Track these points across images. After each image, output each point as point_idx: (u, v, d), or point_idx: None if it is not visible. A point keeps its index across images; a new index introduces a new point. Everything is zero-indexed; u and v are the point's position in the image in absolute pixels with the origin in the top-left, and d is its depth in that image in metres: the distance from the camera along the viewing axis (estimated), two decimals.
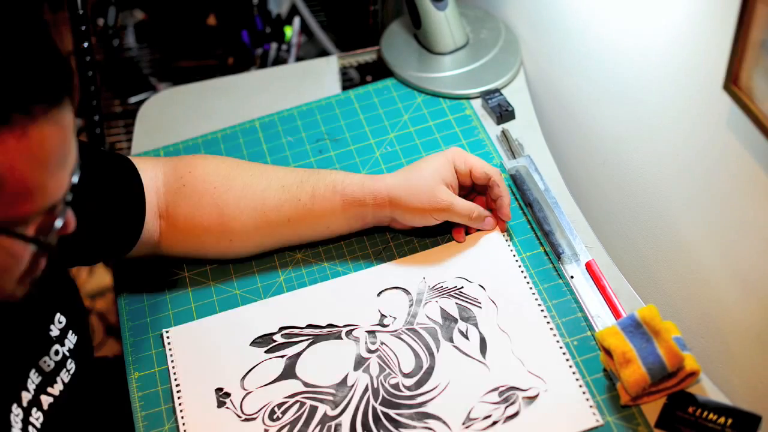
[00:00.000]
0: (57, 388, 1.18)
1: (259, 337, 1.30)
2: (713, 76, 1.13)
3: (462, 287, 1.32)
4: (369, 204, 1.33)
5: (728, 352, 1.25)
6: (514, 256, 1.34)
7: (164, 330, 1.33)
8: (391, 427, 1.19)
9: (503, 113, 1.54)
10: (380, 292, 1.33)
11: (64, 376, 1.19)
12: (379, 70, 1.73)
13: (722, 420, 1.14)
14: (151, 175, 1.33)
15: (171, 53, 2.22)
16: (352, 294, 1.34)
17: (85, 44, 1.83)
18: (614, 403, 1.19)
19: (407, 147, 1.54)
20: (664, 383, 1.16)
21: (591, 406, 1.17)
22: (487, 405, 1.19)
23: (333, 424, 1.20)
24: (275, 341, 1.29)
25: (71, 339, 1.21)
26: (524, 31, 1.66)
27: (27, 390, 1.13)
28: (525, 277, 1.32)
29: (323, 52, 2.10)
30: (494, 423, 1.17)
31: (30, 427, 1.12)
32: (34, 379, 1.14)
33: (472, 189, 1.39)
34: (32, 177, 0.87)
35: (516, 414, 1.17)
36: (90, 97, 1.91)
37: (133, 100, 2.13)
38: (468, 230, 1.38)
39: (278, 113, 1.63)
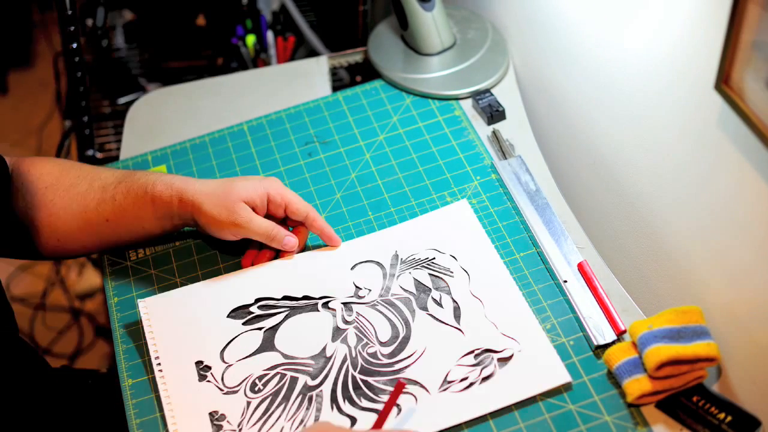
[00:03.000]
0: None
1: (236, 309, 1.32)
2: (704, 76, 1.13)
3: (434, 258, 1.36)
4: (175, 204, 1.33)
5: (721, 352, 1.25)
6: (480, 226, 1.39)
7: (139, 300, 1.34)
8: (370, 394, 1.22)
9: (494, 113, 1.54)
10: (354, 266, 1.36)
11: None
12: (368, 71, 1.72)
13: (722, 416, 1.15)
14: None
15: (160, 54, 2.21)
16: (327, 267, 1.36)
17: (74, 45, 1.82)
18: (613, 402, 1.20)
19: (397, 149, 1.54)
20: (670, 382, 1.17)
21: (561, 363, 1.22)
22: (464, 368, 1.23)
23: (314, 393, 1.23)
24: (252, 313, 1.32)
25: None
26: (513, 31, 1.65)
27: None
28: (493, 245, 1.36)
29: (313, 53, 2.09)
30: (471, 384, 1.21)
31: None
32: None
33: (284, 222, 1.38)
34: None
35: (491, 375, 1.22)
36: (79, 98, 1.90)
37: (122, 100, 2.12)
38: (273, 255, 1.38)
39: (266, 116, 1.62)
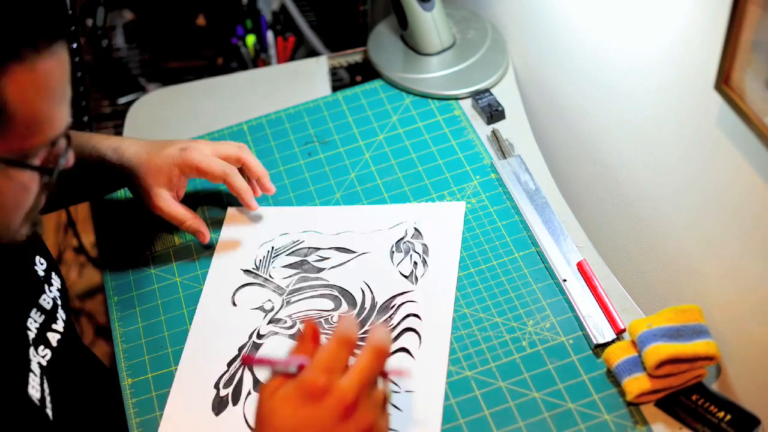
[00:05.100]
0: (60, 325, 1.22)
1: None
2: (704, 76, 1.13)
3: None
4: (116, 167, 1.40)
5: (720, 351, 1.25)
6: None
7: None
8: None
9: (493, 113, 1.54)
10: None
11: (62, 313, 1.24)
12: (368, 71, 1.72)
13: (721, 414, 1.15)
14: None
15: (160, 54, 2.21)
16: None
17: (74, 45, 1.82)
18: (612, 400, 1.20)
19: (397, 148, 1.54)
20: (669, 380, 1.17)
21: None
22: None
23: None
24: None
25: (56, 279, 1.26)
26: (512, 31, 1.66)
27: (29, 329, 1.17)
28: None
29: (313, 53, 2.09)
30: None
31: (35, 365, 1.15)
32: (36, 318, 1.18)
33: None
34: (41, 109, 0.92)
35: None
36: (79, 98, 1.90)
37: (122, 100, 2.13)
38: None
39: (266, 116, 1.62)
